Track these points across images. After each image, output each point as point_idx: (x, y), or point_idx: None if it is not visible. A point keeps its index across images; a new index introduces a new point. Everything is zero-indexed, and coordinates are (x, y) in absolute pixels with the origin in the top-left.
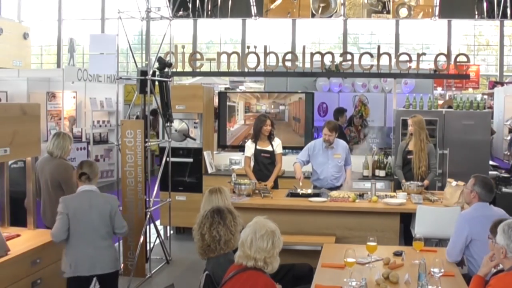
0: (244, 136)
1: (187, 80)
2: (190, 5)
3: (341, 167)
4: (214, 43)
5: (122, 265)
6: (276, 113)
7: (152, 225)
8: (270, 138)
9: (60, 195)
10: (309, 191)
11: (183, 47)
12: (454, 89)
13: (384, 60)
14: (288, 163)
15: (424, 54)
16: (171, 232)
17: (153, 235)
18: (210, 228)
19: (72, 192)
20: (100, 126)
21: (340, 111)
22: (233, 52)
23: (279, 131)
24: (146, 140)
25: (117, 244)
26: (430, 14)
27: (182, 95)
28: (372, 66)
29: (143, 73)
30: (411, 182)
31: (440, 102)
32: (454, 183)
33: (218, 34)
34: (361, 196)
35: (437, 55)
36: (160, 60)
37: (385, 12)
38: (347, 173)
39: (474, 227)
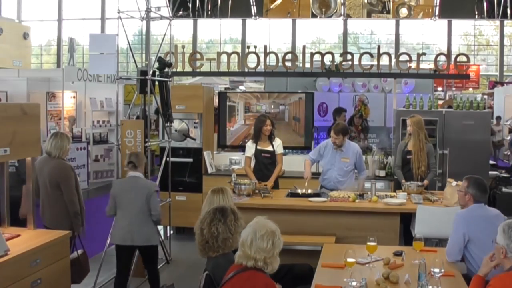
0: (244, 136)
1: (187, 80)
2: (190, 5)
3: (348, 171)
4: (214, 43)
5: None
6: (276, 113)
7: None
8: (270, 138)
9: (59, 196)
10: (309, 191)
11: (183, 47)
12: (454, 89)
13: (384, 60)
14: (288, 163)
15: (424, 54)
16: (171, 232)
17: None
18: (210, 224)
19: (71, 192)
20: (100, 126)
21: (337, 111)
22: (233, 52)
23: (279, 131)
24: (146, 140)
25: None
26: (430, 14)
27: (182, 95)
28: (372, 66)
29: (143, 73)
30: (411, 182)
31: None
32: (454, 183)
33: (218, 34)
34: (361, 196)
35: (437, 55)
36: (160, 60)
37: (385, 12)
38: (360, 182)
39: (470, 227)
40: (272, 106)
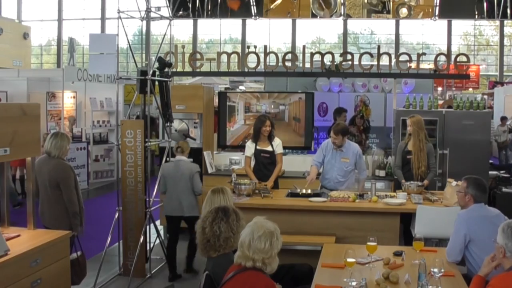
0: (244, 136)
1: (187, 80)
2: (190, 5)
3: (348, 172)
4: (214, 43)
5: (122, 265)
6: (276, 113)
7: (152, 225)
8: (270, 138)
9: (59, 196)
10: (309, 191)
11: (183, 47)
12: (454, 89)
13: (384, 60)
14: (288, 163)
15: (424, 54)
16: None
17: (153, 235)
18: (212, 222)
19: (70, 192)
20: (100, 126)
21: (338, 111)
22: (233, 52)
23: (278, 131)
24: (146, 140)
25: (117, 244)
26: (430, 14)
27: (182, 95)
28: (372, 66)
29: (143, 73)
30: (411, 182)
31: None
32: (454, 183)
33: (218, 34)
34: (361, 196)
35: (437, 55)
36: (160, 60)
37: (385, 12)
38: (360, 184)
39: (471, 227)
40: (272, 106)
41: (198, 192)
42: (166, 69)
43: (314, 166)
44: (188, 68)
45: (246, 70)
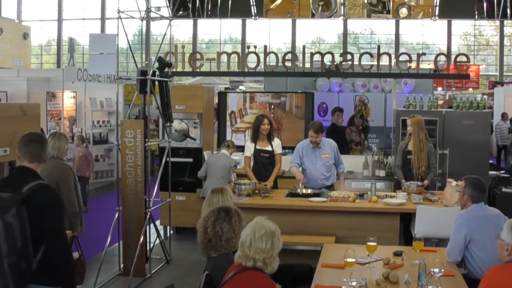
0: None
1: (187, 80)
2: (190, 5)
3: (330, 166)
4: (214, 43)
5: (122, 265)
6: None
7: (152, 225)
8: (269, 138)
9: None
10: (309, 191)
11: (183, 47)
12: (454, 89)
13: (384, 60)
14: (287, 163)
15: (424, 54)
16: (171, 232)
17: (153, 235)
18: (214, 223)
19: (69, 192)
20: (100, 126)
21: (335, 110)
22: (233, 52)
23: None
24: (146, 140)
25: (116, 244)
26: (430, 14)
27: (182, 95)
28: (372, 66)
29: (143, 73)
30: (411, 182)
31: (441, 101)
32: (454, 183)
33: (218, 34)
34: (361, 196)
35: (437, 55)
36: (160, 60)
37: (385, 12)
38: (340, 178)
39: (472, 227)
40: (272, 106)
41: (228, 180)
42: (166, 69)
43: (294, 167)
44: (188, 68)
45: (246, 70)
